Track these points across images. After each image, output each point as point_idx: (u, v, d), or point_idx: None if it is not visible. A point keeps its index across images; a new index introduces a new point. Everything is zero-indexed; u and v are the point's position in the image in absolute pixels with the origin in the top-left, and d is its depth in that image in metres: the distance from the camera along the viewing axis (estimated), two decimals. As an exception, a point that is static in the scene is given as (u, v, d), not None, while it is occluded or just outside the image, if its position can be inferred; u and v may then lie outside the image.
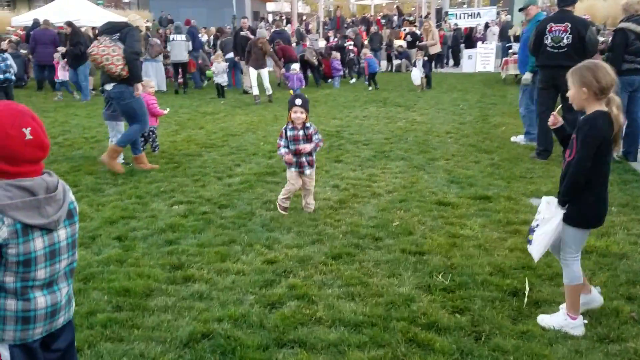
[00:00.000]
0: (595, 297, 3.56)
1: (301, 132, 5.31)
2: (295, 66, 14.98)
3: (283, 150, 5.33)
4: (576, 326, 3.33)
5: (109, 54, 6.78)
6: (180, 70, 15.94)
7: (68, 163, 7.77)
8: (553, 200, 3.38)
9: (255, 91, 13.50)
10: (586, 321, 3.39)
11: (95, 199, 6.08)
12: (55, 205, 2.17)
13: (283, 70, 15.20)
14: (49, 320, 2.22)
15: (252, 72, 13.55)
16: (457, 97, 14.14)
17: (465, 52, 22.87)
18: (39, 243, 2.12)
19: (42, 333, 2.22)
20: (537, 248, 3.40)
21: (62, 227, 2.22)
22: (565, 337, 3.31)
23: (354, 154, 8.10)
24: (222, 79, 14.62)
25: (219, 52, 16.16)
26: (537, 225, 3.39)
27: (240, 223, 5.28)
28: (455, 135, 9.34)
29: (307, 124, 5.31)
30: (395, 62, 22.35)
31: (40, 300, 2.17)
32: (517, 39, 19.29)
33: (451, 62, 24.60)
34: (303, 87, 15.00)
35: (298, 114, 5.21)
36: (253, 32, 15.51)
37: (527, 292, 3.78)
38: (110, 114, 7.58)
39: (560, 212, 3.29)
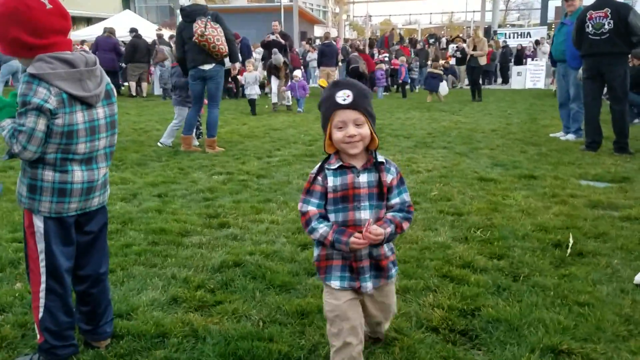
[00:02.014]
0: None
1: (363, 177, 2.07)
2: (298, 73, 13.52)
3: (322, 229, 2.05)
4: None
5: (218, 35, 7.01)
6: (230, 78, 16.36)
7: (117, 145, 8.03)
8: None
9: (274, 99, 13.40)
10: None
11: (139, 170, 6.25)
12: (95, 81, 2.24)
13: (283, 88, 13.52)
14: (84, 197, 2.27)
15: (274, 81, 13.57)
16: (505, 106, 13.86)
17: (514, 69, 22.47)
18: (80, 117, 2.19)
19: (77, 210, 2.27)
20: None
21: (100, 106, 2.28)
22: (610, 279, 3.12)
23: (394, 144, 8.03)
24: (254, 91, 12.36)
25: (252, 59, 14.59)
26: None
27: (276, 188, 5.30)
28: (502, 132, 9.13)
29: (379, 156, 2.10)
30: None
31: (78, 174, 2.23)
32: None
33: (499, 79, 24.23)
34: (307, 95, 13.40)
35: (350, 128, 2.01)
36: (285, 36, 14.70)
37: (570, 244, 3.60)
38: (177, 99, 7.83)
39: None
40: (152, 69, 17.76)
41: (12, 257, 3.39)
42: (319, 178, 2.05)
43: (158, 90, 16.91)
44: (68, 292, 2.30)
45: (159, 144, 7.81)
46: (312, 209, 2.03)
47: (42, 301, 2.23)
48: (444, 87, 15.26)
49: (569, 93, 8.55)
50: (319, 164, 2.08)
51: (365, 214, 2.03)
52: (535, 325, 2.58)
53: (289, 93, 13.17)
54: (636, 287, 2.99)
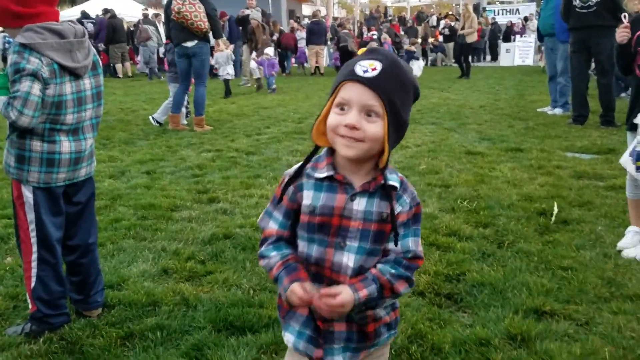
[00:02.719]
0: None
1: (359, 204, 1.31)
2: (269, 51, 12.92)
3: (272, 258, 1.36)
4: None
5: (197, 11, 6.93)
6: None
7: (103, 124, 7.99)
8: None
9: (256, 74, 12.88)
10: None
11: (127, 148, 6.22)
12: (83, 52, 2.24)
13: (254, 55, 13.10)
14: (72, 167, 2.28)
15: (246, 50, 13.33)
16: (494, 82, 13.88)
17: (503, 46, 22.44)
18: (68, 88, 2.19)
19: (65, 180, 2.28)
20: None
21: (87, 77, 2.28)
22: (594, 244, 3.19)
23: (384, 121, 8.03)
24: (226, 71, 11.30)
25: (223, 38, 12.17)
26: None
27: (265, 164, 5.32)
28: (490, 108, 9.16)
29: (391, 175, 1.34)
30: (431, 56, 22.15)
31: (65, 144, 2.23)
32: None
33: (488, 57, 24.20)
34: (275, 73, 12.75)
35: (353, 114, 1.25)
36: (263, 14, 14.27)
37: (555, 212, 3.66)
38: (172, 76, 7.74)
39: None
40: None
41: (2, 233, 3.40)
42: (291, 189, 1.33)
43: (145, 69, 16.74)
44: (59, 262, 2.32)
45: (150, 118, 7.74)
46: (271, 227, 1.35)
47: (34, 271, 2.25)
48: (418, 66, 14.96)
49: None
50: (299, 164, 1.35)
51: (348, 259, 1.29)
52: (519, 288, 2.64)
53: (254, 64, 12.72)
54: (619, 252, 3.06)
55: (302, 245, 1.33)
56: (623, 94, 10.05)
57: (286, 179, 1.33)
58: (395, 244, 1.30)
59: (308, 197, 1.30)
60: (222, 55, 11.27)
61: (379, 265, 1.30)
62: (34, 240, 2.24)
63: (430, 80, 15.01)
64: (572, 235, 3.34)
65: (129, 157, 5.68)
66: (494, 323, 2.33)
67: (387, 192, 1.29)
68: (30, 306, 2.31)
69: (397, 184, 1.30)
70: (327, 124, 1.27)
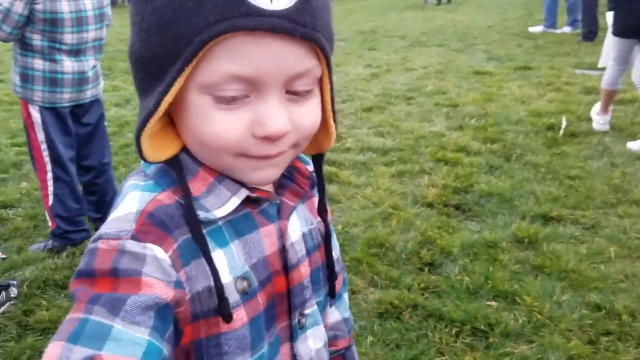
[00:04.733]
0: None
1: (294, 224, 0.62)
2: None
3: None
4: (599, 122, 3.62)
5: None
6: None
7: (103, 54, 7.86)
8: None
9: None
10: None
11: (129, 78, 6.12)
12: None
13: None
14: (76, 88, 2.27)
15: None
16: (501, 2, 13.42)
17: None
18: (65, 6, 2.14)
19: (70, 101, 2.28)
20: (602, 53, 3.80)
21: None
22: (601, 155, 3.20)
23: (388, 45, 7.86)
24: None
25: None
26: None
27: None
28: (498, 28, 8.92)
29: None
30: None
31: (67, 64, 2.22)
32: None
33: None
34: None
35: (274, 105, 0.51)
36: None
37: (563, 125, 3.65)
38: None
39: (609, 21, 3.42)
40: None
41: (15, 160, 3.44)
42: (166, 262, 0.51)
43: None
44: (74, 180, 2.37)
45: None
46: None
47: (50, 189, 2.30)
48: None
49: None
50: (138, 205, 0.54)
51: (314, 342, 0.65)
52: (526, 197, 2.68)
53: None
54: (626, 161, 3.08)
55: None
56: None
57: (121, 245, 0.51)
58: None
59: (222, 259, 0.56)
60: None
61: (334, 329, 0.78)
62: (47, 159, 2.28)
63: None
64: (580, 147, 3.35)
65: (133, 86, 5.62)
66: (502, 228, 2.39)
67: (319, 192, 0.67)
68: (50, 223, 2.38)
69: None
70: (208, 139, 0.52)
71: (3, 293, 2.00)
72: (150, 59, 0.51)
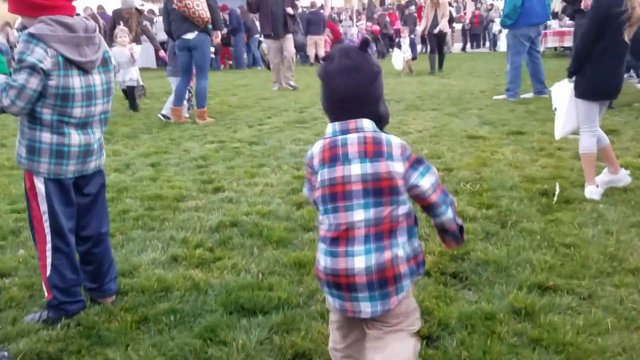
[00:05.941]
0: (622, 177, 3.73)
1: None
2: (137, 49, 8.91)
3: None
4: (591, 191, 3.61)
5: (199, 1, 6.91)
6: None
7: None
8: (563, 81, 3.65)
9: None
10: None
11: (130, 142, 6.27)
12: (92, 48, 2.29)
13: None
14: (82, 160, 2.34)
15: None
16: (494, 68, 13.87)
17: (503, 31, 22.34)
18: (76, 82, 2.24)
19: (75, 173, 2.34)
20: (556, 125, 3.77)
21: (97, 73, 2.34)
22: (596, 222, 3.24)
23: (385, 108, 8.06)
24: (128, 76, 8.24)
25: (122, 27, 8.78)
26: (555, 108, 3.75)
27: (269, 154, 5.36)
28: (491, 93, 9.17)
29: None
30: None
31: (75, 137, 2.29)
32: (555, 15, 18.73)
33: (487, 43, 24.09)
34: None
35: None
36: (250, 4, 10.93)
37: (557, 192, 3.71)
38: (172, 70, 7.73)
39: (570, 86, 3.52)
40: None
41: (13, 227, 3.46)
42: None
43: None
44: (73, 251, 2.38)
45: (160, 116, 7.70)
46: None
47: (49, 260, 2.31)
48: (397, 60, 13.25)
49: None
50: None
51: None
52: (522, 265, 2.69)
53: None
54: (620, 228, 3.11)
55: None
56: (625, 75, 10.05)
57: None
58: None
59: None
60: (121, 52, 8.05)
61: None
62: (47, 230, 2.30)
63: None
64: (574, 213, 3.39)
65: (133, 151, 5.73)
66: (499, 299, 2.38)
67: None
68: (46, 294, 2.37)
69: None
70: None
71: (-6, 367, 1.97)
72: None
